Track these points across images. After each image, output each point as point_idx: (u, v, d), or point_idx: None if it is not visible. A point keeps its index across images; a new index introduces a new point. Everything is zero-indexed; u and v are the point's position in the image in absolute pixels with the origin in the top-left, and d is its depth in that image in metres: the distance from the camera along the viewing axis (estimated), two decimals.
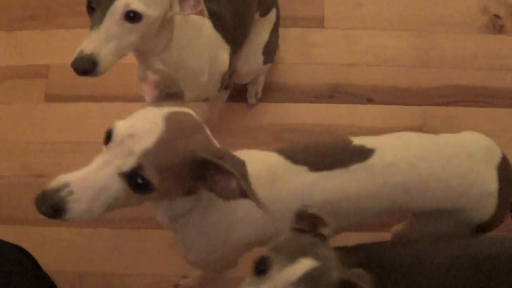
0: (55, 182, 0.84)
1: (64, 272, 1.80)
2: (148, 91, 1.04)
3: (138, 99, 2.07)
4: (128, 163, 0.85)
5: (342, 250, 1.08)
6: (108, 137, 0.89)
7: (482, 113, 2.06)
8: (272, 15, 1.78)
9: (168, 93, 0.99)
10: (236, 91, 2.04)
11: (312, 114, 2.05)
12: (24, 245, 1.59)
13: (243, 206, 1.12)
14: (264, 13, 1.73)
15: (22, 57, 2.17)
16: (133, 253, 1.85)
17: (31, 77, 2.14)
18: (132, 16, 1.13)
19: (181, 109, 0.95)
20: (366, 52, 2.15)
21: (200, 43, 1.42)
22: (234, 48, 1.57)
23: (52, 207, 0.82)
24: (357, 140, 1.22)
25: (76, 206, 0.84)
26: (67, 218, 0.85)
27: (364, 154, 1.18)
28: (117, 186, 0.86)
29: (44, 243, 1.88)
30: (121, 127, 0.88)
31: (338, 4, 2.21)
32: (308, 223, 1.04)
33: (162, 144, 0.86)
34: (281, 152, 1.19)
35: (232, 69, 1.64)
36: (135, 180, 0.86)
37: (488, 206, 1.23)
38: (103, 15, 1.12)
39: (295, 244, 1.00)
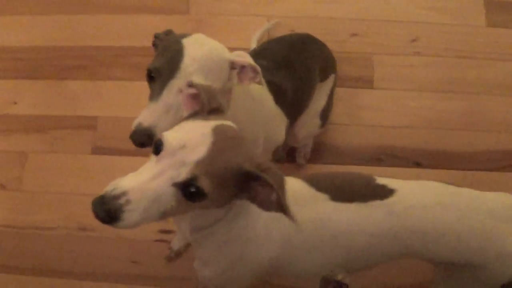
0: (112, 188, 0.87)
1: None
2: (186, 105, 1.07)
3: None
4: (183, 174, 0.89)
5: None
6: (157, 148, 0.92)
7: None
8: (331, 79, 1.77)
9: (210, 109, 1.02)
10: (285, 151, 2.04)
11: None
12: None
13: (262, 224, 1.14)
14: (323, 79, 1.73)
15: (70, 107, 2.18)
16: None
17: (79, 128, 2.14)
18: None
19: (224, 122, 0.98)
20: (414, 114, 2.13)
21: (259, 117, 1.42)
22: (292, 120, 1.56)
23: (109, 213, 0.86)
24: (381, 179, 1.24)
25: (132, 216, 0.87)
26: (120, 226, 0.88)
27: (385, 193, 1.20)
28: (170, 195, 0.90)
29: None
30: (171, 138, 0.91)
31: (388, 65, 2.20)
32: None
33: (213, 154, 0.90)
34: (306, 179, 1.22)
35: (286, 142, 1.63)
36: (189, 189, 0.89)
37: (507, 267, 1.19)
38: (163, 86, 1.13)
39: None
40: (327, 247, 1.20)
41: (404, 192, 1.20)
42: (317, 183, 1.21)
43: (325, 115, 1.83)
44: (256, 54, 1.56)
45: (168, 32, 1.26)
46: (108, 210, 0.86)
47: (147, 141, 1.12)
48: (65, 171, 2.07)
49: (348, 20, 2.27)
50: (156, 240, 1.94)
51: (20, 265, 1.93)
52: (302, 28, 2.25)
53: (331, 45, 2.20)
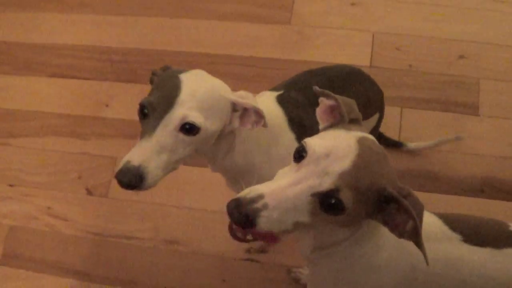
0: (249, 191, 0.85)
1: None
2: (322, 118, 1.02)
3: None
4: (325, 184, 0.84)
5: None
6: (299, 154, 0.89)
7: None
8: (374, 118, 1.63)
9: (350, 120, 0.97)
10: None
11: (460, 208, 1.92)
12: None
13: (387, 253, 1.08)
14: (363, 119, 1.56)
15: None
16: None
17: None
18: (188, 128, 1.04)
19: (368, 135, 0.93)
20: None
21: (274, 152, 1.31)
22: None
23: (245, 216, 0.83)
24: None
25: (267, 220, 0.84)
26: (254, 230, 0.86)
27: None
28: (308, 205, 0.86)
29: None
30: (316, 145, 0.87)
31: (495, 91, 2.09)
32: None
33: (357, 167, 0.86)
34: (441, 216, 1.16)
35: None
36: (328, 201, 0.85)
37: None
38: (156, 123, 1.03)
39: None
40: None
41: None
42: (451, 222, 1.14)
43: None
44: (289, 85, 1.44)
45: (166, 68, 1.18)
46: (244, 214, 0.83)
47: (134, 182, 1.01)
48: None
49: (456, 41, 2.16)
50: (246, 259, 1.87)
51: (105, 274, 1.88)
52: (407, 46, 2.15)
53: (436, 67, 2.11)
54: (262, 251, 1.87)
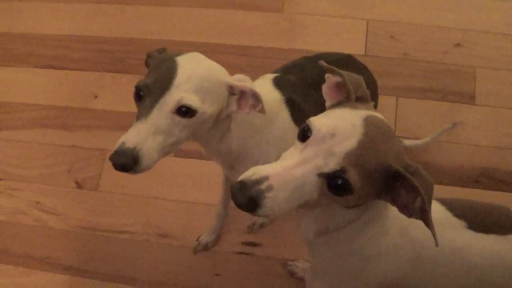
0: (252, 173, 0.82)
1: None
2: (329, 95, 1.00)
3: None
4: (331, 164, 0.83)
5: None
6: (303, 134, 0.87)
7: None
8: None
9: (357, 97, 0.95)
10: None
11: None
12: None
13: (390, 240, 1.07)
14: None
15: None
16: None
17: None
18: (184, 111, 1.03)
19: (375, 113, 0.90)
20: None
21: (269, 134, 1.31)
22: None
23: (250, 199, 0.81)
24: None
25: (273, 202, 0.82)
26: (260, 213, 0.83)
27: None
28: (314, 185, 0.84)
29: None
30: (321, 124, 0.85)
31: (492, 80, 2.06)
32: None
33: (363, 147, 0.83)
34: (444, 202, 1.14)
35: None
36: (335, 181, 0.83)
37: None
38: (152, 106, 1.02)
39: None
40: (456, 276, 1.12)
41: None
42: (454, 208, 1.12)
43: None
44: (286, 69, 1.45)
45: (162, 50, 1.16)
46: (249, 196, 0.80)
47: (129, 164, 0.99)
48: (146, 173, 1.97)
49: (452, 29, 2.13)
50: (239, 253, 1.84)
51: (96, 270, 1.85)
52: (402, 34, 2.11)
53: (432, 55, 2.07)
54: (256, 244, 1.84)
